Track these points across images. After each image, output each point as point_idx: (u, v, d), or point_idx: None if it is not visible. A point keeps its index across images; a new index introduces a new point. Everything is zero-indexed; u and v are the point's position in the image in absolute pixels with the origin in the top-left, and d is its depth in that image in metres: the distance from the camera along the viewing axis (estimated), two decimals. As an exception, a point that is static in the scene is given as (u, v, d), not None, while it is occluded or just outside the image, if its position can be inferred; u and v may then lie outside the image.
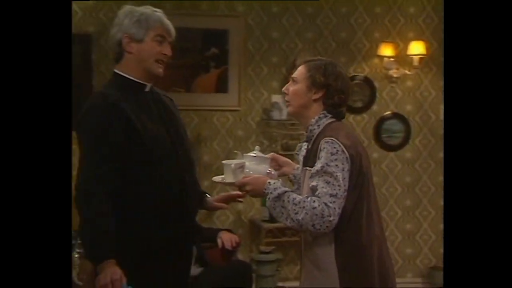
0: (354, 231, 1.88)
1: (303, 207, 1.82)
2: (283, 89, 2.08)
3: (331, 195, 1.82)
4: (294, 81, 2.01)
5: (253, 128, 4.39)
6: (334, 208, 1.81)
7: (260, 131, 4.39)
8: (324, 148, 1.87)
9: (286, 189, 1.91)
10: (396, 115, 4.51)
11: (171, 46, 2.14)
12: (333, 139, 1.87)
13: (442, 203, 4.51)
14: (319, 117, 1.97)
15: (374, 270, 1.92)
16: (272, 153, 2.24)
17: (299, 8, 4.41)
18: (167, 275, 2.07)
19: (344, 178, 1.84)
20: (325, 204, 1.81)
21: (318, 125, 1.97)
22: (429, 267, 4.46)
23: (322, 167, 1.85)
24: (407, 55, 4.38)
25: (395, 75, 4.43)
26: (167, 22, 2.13)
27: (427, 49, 4.37)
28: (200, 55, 4.29)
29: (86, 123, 1.99)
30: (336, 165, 1.85)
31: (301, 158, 2.08)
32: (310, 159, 1.95)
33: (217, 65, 4.33)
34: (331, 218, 1.81)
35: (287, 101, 2.06)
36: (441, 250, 4.50)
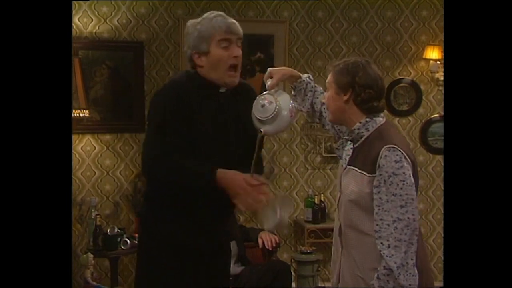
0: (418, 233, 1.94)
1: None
2: (322, 99, 2.17)
3: (401, 206, 1.85)
4: (327, 88, 2.08)
5: (297, 131, 4.48)
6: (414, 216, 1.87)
7: (304, 133, 4.48)
8: (386, 156, 1.88)
9: None
10: (443, 118, 4.48)
11: (241, 44, 2.13)
12: (394, 147, 1.89)
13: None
14: (366, 121, 1.99)
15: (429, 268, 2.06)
16: (268, 69, 2.22)
17: (344, 13, 4.46)
18: (206, 271, 2.12)
19: (412, 184, 1.88)
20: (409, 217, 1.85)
21: (366, 128, 1.99)
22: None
23: (389, 176, 1.86)
24: (453, 58, 4.34)
25: (441, 78, 4.40)
26: (229, 22, 2.12)
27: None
28: (246, 59, 4.42)
29: (160, 96, 2.11)
30: (404, 173, 1.86)
31: (343, 155, 2.09)
32: (357, 160, 1.98)
33: (263, 69, 4.44)
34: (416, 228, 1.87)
35: (326, 110, 2.14)
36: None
